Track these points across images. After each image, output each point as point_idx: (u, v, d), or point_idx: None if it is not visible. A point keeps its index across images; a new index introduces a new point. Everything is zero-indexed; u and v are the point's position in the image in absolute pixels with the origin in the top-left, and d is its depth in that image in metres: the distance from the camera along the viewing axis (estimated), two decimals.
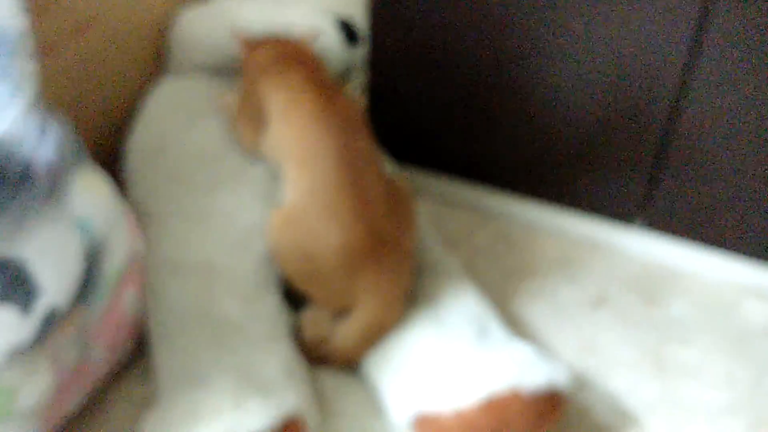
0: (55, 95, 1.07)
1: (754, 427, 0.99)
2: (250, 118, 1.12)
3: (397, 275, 0.98)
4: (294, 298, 1.06)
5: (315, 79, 1.07)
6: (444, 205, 1.35)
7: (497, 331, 0.98)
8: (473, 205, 1.35)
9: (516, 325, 1.11)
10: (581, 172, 1.18)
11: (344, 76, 1.45)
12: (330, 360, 1.01)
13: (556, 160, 1.19)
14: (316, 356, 1.01)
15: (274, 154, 1.08)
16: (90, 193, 0.91)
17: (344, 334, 0.99)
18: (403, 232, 1.02)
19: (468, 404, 0.86)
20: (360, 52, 1.43)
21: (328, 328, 1.01)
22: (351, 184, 0.98)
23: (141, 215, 1.09)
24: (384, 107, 1.28)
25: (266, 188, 1.10)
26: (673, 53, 1.02)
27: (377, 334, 0.98)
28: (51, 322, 0.84)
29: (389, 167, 1.26)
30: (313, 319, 1.03)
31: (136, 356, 1.05)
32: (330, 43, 1.29)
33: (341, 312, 1.01)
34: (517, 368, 0.87)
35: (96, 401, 0.99)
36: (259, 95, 1.10)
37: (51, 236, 0.83)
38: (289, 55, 1.12)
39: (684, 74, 1.03)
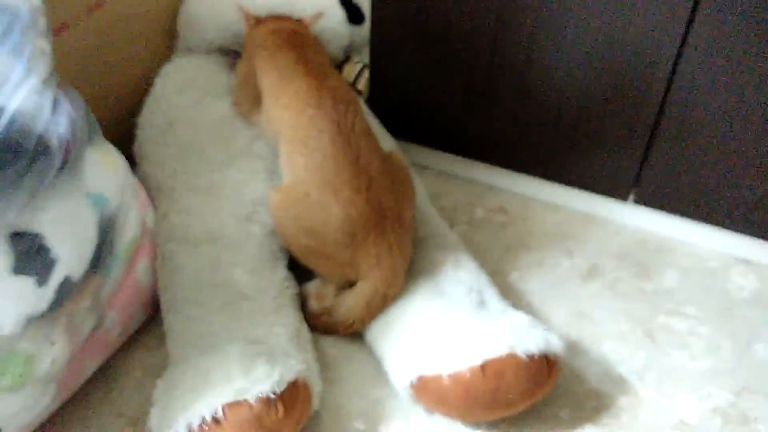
0: (68, 72, 1.09)
1: (739, 394, 1.02)
2: (248, 91, 1.15)
3: (398, 247, 1.01)
4: (300, 268, 1.09)
5: (307, 58, 1.09)
6: (442, 180, 1.37)
7: (494, 302, 1.02)
8: (471, 180, 1.37)
9: (512, 296, 1.14)
10: (576, 150, 1.20)
11: (348, 54, 1.47)
12: (335, 330, 1.05)
13: (551, 138, 1.21)
14: (321, 326, 1.05)
15: (269, 130, 1.11)
16: (103, 167, 0.94)
17: (348, 305, 1.02)
18: (402, 205, 1.05)
19: (465, 369, 0.90)
20: (364, 31, 1.45)
21: (332, 300, 1.05)
22: (348, 159, 1.00)
23: (151, 189, 1.12)
24: (384, 85, 1.30)
25: (273, 162, 1.13)
26: (667, 33, 1.04)
27: (381, 304, 1.01)
28: (66, 292, 0.87)
29: (389, 142, 1.28)
30: (318, 291, 1.06)
31: (148, 325, 1.08)
32: (333, 21, 1.31)
33: (345, 285, 1.05)
34: (513, 335, 0.91)
35: (109, 369, 1.03)
36: (255, 71, 1.12)
37: (65, 209, 0.86)
38: (284, 33, 1.14)
39: (677, 53, 1.05)
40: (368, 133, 1.05)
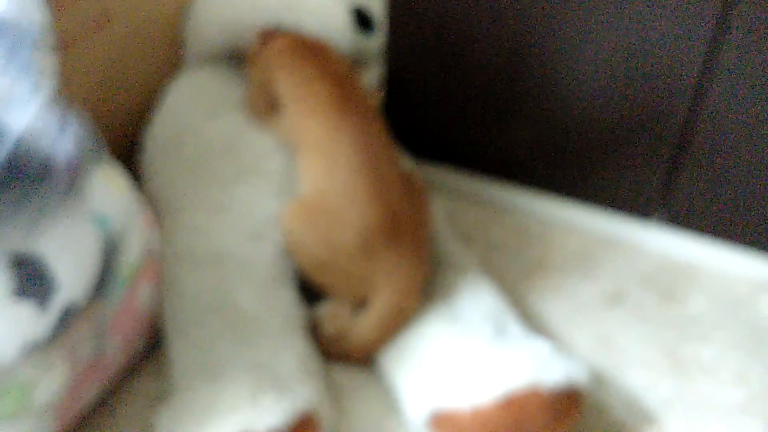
0: (74, 89, 1.08)
1: None
2: (263, 96, 1.14)
3: (414, 260, 0.98)
4: (309, 292, 1.06)
5: (332, 69, 1.08)
6: (460, 200, 1.34)
7: (514, 328, 0.98)
8: (489, 200, 1.34)
9: (532, 321, 1.10)
10: (599, 167, 1.17)
11: (358, 64, 1.45)
12: (349, 355, 1.01)
13: (573, 154, 1.18)
14: (335, 352, 1.01)
15: (289, 139, 1.09)
16: (108, 188, 0.92)
17: (363, 323, 0.99)
18: (419, 221, 1.02)
19: (486, 401, 0.86)
20: (376, 41, 1.43)
21: (347, 322, 1.01)
22: (368, 169, 0.99)
23: (158, 206, 1.10)
24: (400, 101, 1.28)
25: (283, 182, 1.10)
26: (694, 48, 1.01)
27: (396, 321, 0.98)
28: (68, 318, 0.84)
29: (406, 161, 1.26)
30: (331, 313, 1.03)
31: (150, 351, 1.05)
32: (341, 28, 1.29)
33: (359, 303, 1.01)
34: (535, 365, 0.87)
35: (111, 396, 1.00)
36: (275, 83, 1.11)
37: (69, 232, 0.84)
38: (307, 43, 1.14)
39: (704, 68, 1.02)
40: (388, 145, 1.04)
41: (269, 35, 1.19)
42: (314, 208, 1.00)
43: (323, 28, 1.26)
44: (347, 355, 1.01)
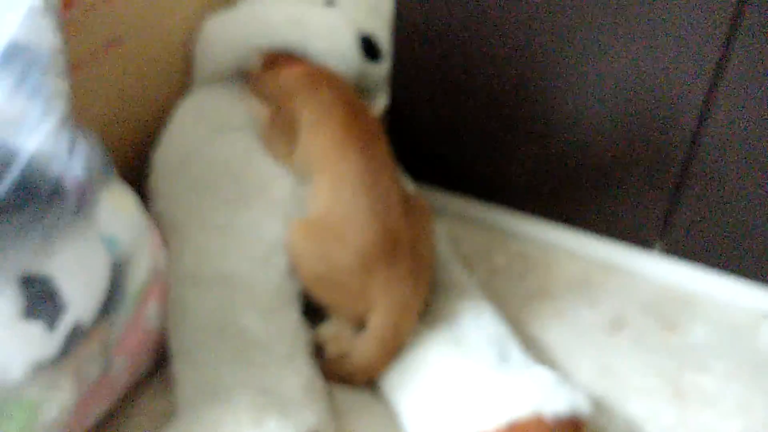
0: (84, 111, 1.08)
1: None
2: (281, 133, 1.16)
3: (412, 279, 1.00)
4: (312, 314, 1.06)
5: (346, 99, 1.11)
6: (462, 224, 1.35)
7: (517, 354, 0.99)
8: (490, 225, 1.35)
9: (533, 347, 1.11)
10: (600, 196, 1.18)
11: (365, 91, 1.46)
12: (353, 376, 1.01)
13: (574, 183, 1.19)
14: (338, 373, 1.02)
15: (302, 166, 1.11)
16: (117, 209, 0.92)
17: (363, 344, 1.00)
18: (420, 241, 1.04)
19: (490, 429, 0.86)
20: (382, 69, 1.45)
21: (348, 344, 1.02)
22: (370, 190, 1.01)
23: (164, 227, 1.10)
24: (404, 127, 1.29)
25: (288, 204, 1.11)
26: (696, 79, 1.02)
27: (394, 340, 0.99)
28: (75, 338, 0.85)
29: (409, 185, 1.27)
30: (334, 336, 1.04)
31: (155, 370, 1.05)
32: (349, 53, 1.31)
33: (359, 324, 1.02)
34: (539, 393, 0.88)
35: (116, 414, 1.00)
36: (292, 112, 1.13)
37: (78, 253, 0.84)
38: (320, 74, 1.17)
39: (706, 100, 1.04)
40: (391, 166, 1.07)
41: (273, 59, 1.21)
42: (318, 226, 1.03)
43: (331, 52, 1.27)
44: (349, 377, 1.02)
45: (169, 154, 1.20)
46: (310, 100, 1.12)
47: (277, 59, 1.21)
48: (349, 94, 1.14)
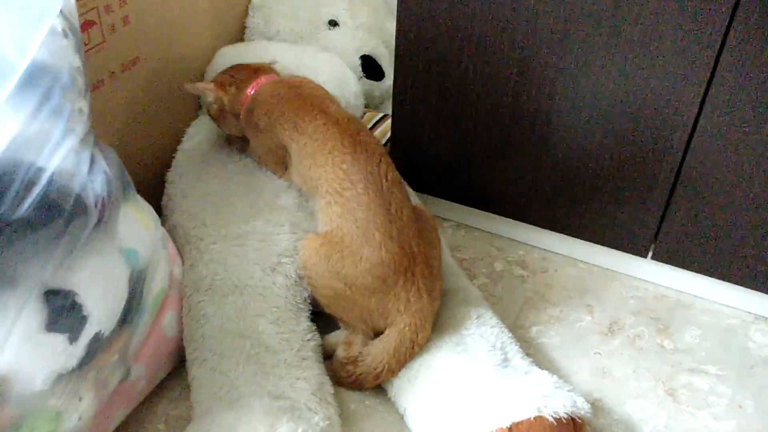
0: (103, 128, 1.11)
1: None
2: (274, 157, 1.17)
3: (427, 293, 1.02)
4: (322, 320, 1.09)
5: (337, 117, 1.11)
6: (462, 232, 1.39)
7: (518, 359, 1.02)
8: (490, 233, 1.39)
9: (533, 350, 1.15)
10: (595, 206, 1.22)
11: (370, 107, 1.50)
12: (362, 382, 1.04)
13: (570, 193, 1.23)
14: (348, 377, 1.05)
15: (304, 187, 1.13)
16: (135, 222, 0.95)
17: (376, 352, 1.03)
18: (430, 253, 1.06)
19: (492, 431, 0.89)
20: (384, 85, 1.49)
21: (360, 348, 1.05)
22: (380, 207, 1.03)
23: (179, 240, 1.14)
24: (406, 139, 1.32)
25: (297, 215, 1.15)
26: (687, 94, 1.06)
27: (409, 351, 1.02)
28: (96, 348, 0.88)
29: (411, 195, 1.30)
30: (346, 339, 1.07)
31: (171, 376, 1.09)
32: (350, 75, 1.35)
33: (372, 334, 1.05)
34: (540, 396, 0.91)
35: (133, 421, 1.03)
36: (278, 138, 1.13)
37: (99, 266, 0.87)
38: (300, 94, 1.15)
39: (697, 113, 1.07)
40: (399, 182, 1.08)
41: (225, 82, 1.19)
42: (331, 243, 1.04)
43: (334, 78, 1.32)
44: (357, 381, 1.05)
45: (183, 172, 1.25)
46: (301, 128, 1.11)
47: (237, 73, 1.20)
48: (339, 108, 1.14)
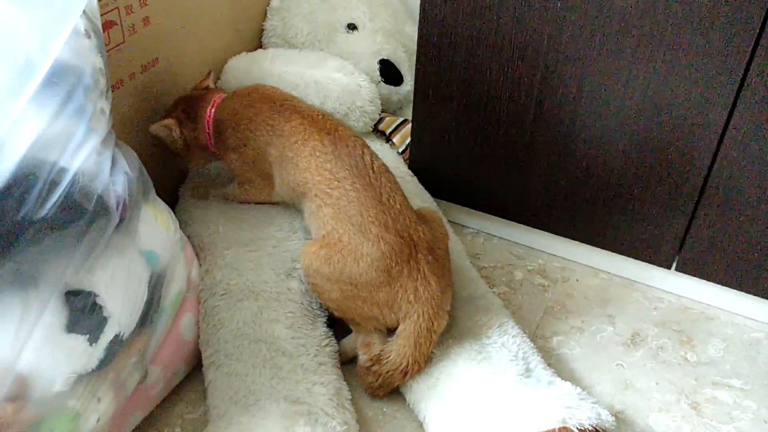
0: (121, 129, 1.11)
1: None
2: (257, 170, 1.14)
3: (435, 278, 1.01)
4: (338, 325, 1.09)
5: (312, 116, 1.10)
6: (481, 240, 1.38)
7: (540, 369, 1.01)
8: (510, 241, 1.37)
9: (554, 361, 1.13)
10: (618, 216, 1.20)
11: (388, 112, 1.49)
12: (390, 380, 1.02)
13: (593, 203, 1.21)
14: (374, 379, 1.03)
15: (293, 196, 1.11)
16: (155, 224, 0.95)
17: (397, 349, 1.01)
18: (433, 238, 1.04)
19: None
20: (403, 90, 1.48)
21: (380, 347, 1.03)
22: (372, 198, 1.02)
23: (194, 247, 1.13)
24: (426, 146, 1.31)
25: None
26: (716, 102, 1.04)
27: (428, 340, 1.00)
28: (115, 349, 0.87)
29: (427, 200, 1.29)
30: (363, 342, 1.05)
31: (188, 379, 1.08)
32: (363, 84, 1.35)
33: (387, 332, 1.04)
34: (564, 408, 0.90)
35: (149, 424, 1.02)
36: (256, 144, 1.11)
37: (119, 267, 0.87)
38: (271, 100, 1.13)
39: (726, 122, 1.05)
40: (386, 170, 1.07)
41: (180, 118, 1.16)
42: (329, 246, 1.02)
43: (347, 92, 1.33)
44: (386, 381, 1.02)
45: (195, 187, 1.26)
46: (274, 129, 1.09)
47: (185, 105, 1.17)
48: (313, 109, 1.12)
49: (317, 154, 1.05)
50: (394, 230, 1.00)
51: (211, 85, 1.22)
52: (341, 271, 1.01)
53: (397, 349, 1.01)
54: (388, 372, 1.01)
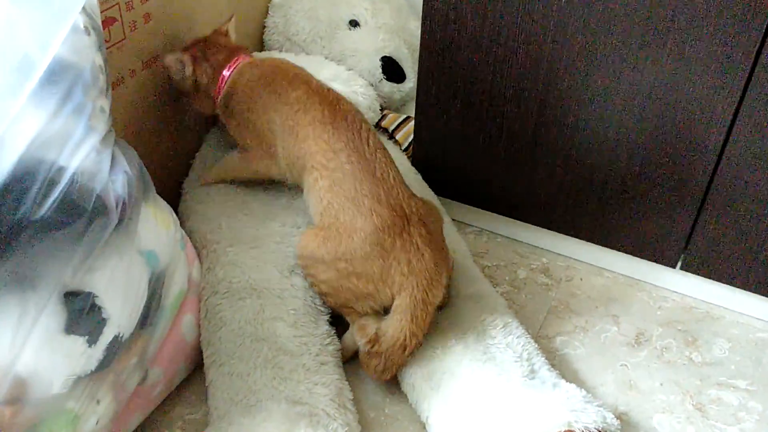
0: (122, 126, 1.10)
1: None
2: (258, 138, 1.13)
3: (429, 251, 1.00)
4: (340, 324, 1.08)
5: (316, 88, 1.10)
6: (484, 238, 1.37)
7: (545, 371, 1.00)
8: (513, 239, 1.36)
9: (557, 361, 1.12)
10: (623, 215, 1.19)
11: (390, 110, 1.48)
12: (393, 359, 1.00)
13: (597, 201, 1.20)
14: (378, 360, 1.01)
15: (293, 171, 1.10)
16: (155, 224, 0.94)
17: (394, 324, 0.99)
18: (426, 213, 1.04)
19: None
20: (406, 88, 1.46)
21: (375, 327, 1.01)
22: (366, 172, 1.02)
23: (196, 245, 1.13)
24: (428, 143, 1.30)
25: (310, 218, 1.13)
26: (723, 99, 1.03)
27: (425, 313, 0.99)
28: (115, 350, 0.87)
29: (428, 195, 1.28)
30: (359, 324, 1.03)
31: (189, 381, 1.07)
32: (360, 90, 1.34)
33: (383, 312, 1.02)
34: (570, 411, 0.89)
35: (150, 424, 1.02)
36: (263, 110, 1.11)
37: (119, 268, 0.86)
38: (281, 70, 1.14)
39: (731, 121, 1.04)
40: (382, 148, 1.07)
41: (199, 58, 1.16)
42: (326, 229, 1.02)
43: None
44: (388, 360, 1.00)
45: (199, 176, 1.24)
46: (281, 96, 1.10)
47: (212, 51, 1.17)
48: (319, 83, 1.12)
49: (316, 123, 1.06)
50: (387, 203, 1.00)
51: (231, 32, 1.22)
52: (336, 249, 1.00)
53: (394, 324, 0.99)
54: (388, 350, 1.00)
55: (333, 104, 1.08)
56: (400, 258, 0.99)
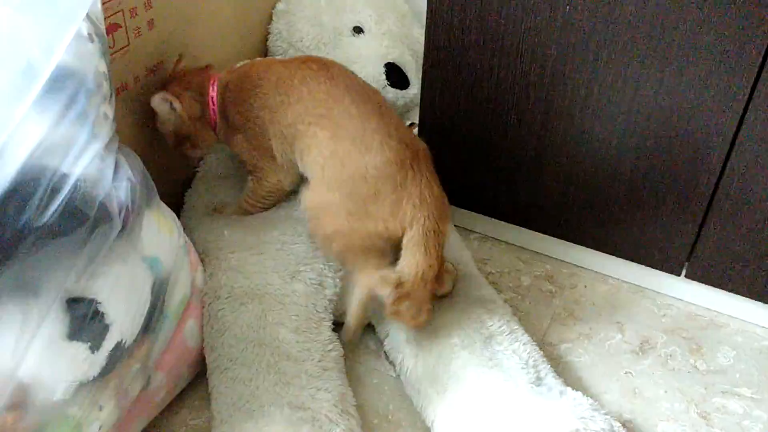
0: (125, 133, 1.10)
1: None
2: (261, 149, 1.13)
3: (437, 186, 1.02)
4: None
5: (291, 63, 1.11)
6: (488, 245, 1.36)
7: (551, 378, 0.99)
8: (518, 246, 1.36)
9: (562, 368, 1.12)
10: (628, 222, 1.19)
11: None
12: (417, 296, 0.99)
13: (602, 209, 1.20)
14: (404, 303, 0.99)
15: (286, 146, 1.09)
16: (159, 230, 0.94)
17: (409, 258, 0.98)
18: (425, 156, 1.05)
19: None
20: (410, 94, 1.46)
21: (394, 273, 0.99)
22: (371, 110, 1.03)
23: (198, 253, 1.13)
24: (433, 150, 1.29)
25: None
26: (727, 107, 1.03)
27: (437, 240, 0.98)
28: (118, 357, 0.87)
29: None
30: (379, 277, 1.00)
31: (192, 385, 1.07)
32: (376, 83, 1.34)
33: (392, 257, 1.01)
34: (578, 419, 0.88)
35: (153, 430, 1.02)
36: (258, 115, 1.11)
37: (122, 275, 0.86)
38: (264, 68, 1.13)
39: (736, 129, 1.04)
40: (378, 92, 1.09)
41: (181, 92, 1.13)
42: (327, 178, 1.02)
43: None
44: (416, 299, 0.99)
45: (202, 185, 1.26)
46: (279, 81, 1.09)
47: (188, 77, 1.15)
48: (295, 61, 1.12)
49: (309, 80, 1.06)
50: (397, 138, 1.01)
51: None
52: (347, 187, 1.00)
53: (409, 260, 0.98)
54: (413, 287, 0.98)
55: (329, 66, 1.08)
56: (411, 190, 0.99)
